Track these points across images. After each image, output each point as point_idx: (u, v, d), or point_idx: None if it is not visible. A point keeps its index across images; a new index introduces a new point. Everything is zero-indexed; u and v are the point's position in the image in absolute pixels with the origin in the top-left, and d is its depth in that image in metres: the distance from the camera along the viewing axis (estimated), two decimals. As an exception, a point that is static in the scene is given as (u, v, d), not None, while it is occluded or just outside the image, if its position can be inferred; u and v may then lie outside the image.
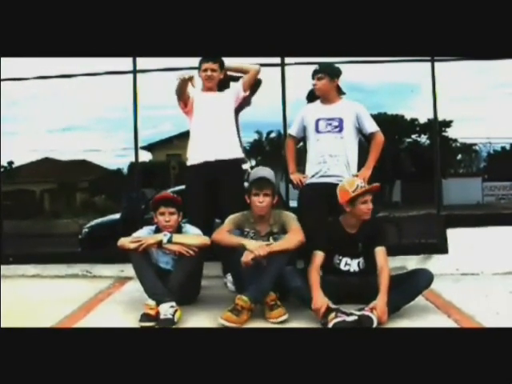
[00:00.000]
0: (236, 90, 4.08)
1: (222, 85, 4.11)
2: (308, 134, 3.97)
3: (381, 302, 3.03)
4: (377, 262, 3.27)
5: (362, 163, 3.91)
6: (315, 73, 3.89)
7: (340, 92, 3.99)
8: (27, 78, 5.06)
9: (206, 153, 3.92)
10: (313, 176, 3.88)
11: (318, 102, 4.03)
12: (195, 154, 3.98)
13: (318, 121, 3.89)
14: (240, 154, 4.06)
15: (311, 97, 4.15)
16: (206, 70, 3.94)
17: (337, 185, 3.51)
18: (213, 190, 3.90)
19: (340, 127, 3.86)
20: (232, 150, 3.98)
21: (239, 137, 4.19)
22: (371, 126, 3.94)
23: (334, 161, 3.82)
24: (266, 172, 3.55)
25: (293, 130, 4.08)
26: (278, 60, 4.62)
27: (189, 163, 4.02)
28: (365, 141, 4.02)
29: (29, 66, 4.20)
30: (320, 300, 3.03)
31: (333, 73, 3.91)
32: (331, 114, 3.88)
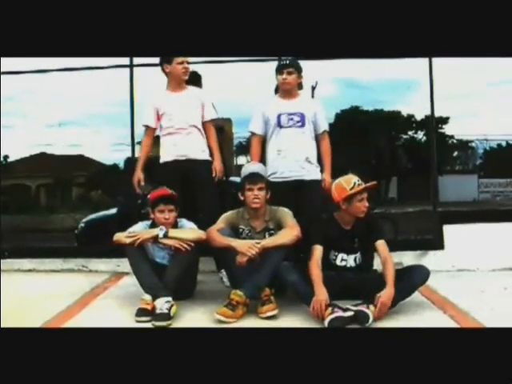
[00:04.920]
0: (202, 110, 4.04)
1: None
2: (268, 129, 3.93)
3: (389, 290, 3.03)
4: (380, 254, 3.28)
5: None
6: (285, 67, 3.84)
7: (299, 87, 4.02)
8: (23, 72, 5.05)
9: (176, 152, 3.94)
10: (275, 172, 3.85)
11: (276, 97, 4.03)
12: (167, 153, 3.99)
13: (279, 115, 3.87)
14: (207, 157, 4.05)
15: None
16: (182, 63, 3.91)
17: (298, 180, 3.67)
18: (187, 188, 3.90)
19: (302, 122, 3.87)
20: (201, 152, 4.01)
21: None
22: (325, 125, 4.00)
23: (296, 155, 3.83)
24: (257, 167, 3.57)
25: (257, 128, 3.97)
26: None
27: (161, 160, 4.03)
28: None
29: (25, 60, 4.18)
30: (322, 295, 3.01)
31: (300, 69, 3.93)
32: (293, 108, 3.88)
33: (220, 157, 4.08)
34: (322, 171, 3.96)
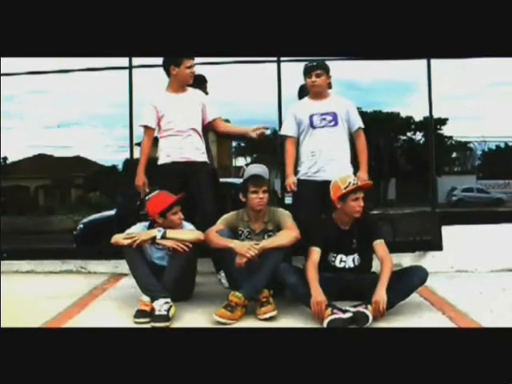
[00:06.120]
0: (204, 112, 4.03)
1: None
2: (301, 131, 3.94)
3: (380, 291, 3.03)
4: (377, 254, 3.29)
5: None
6: (313, 69, 3.84)
7: (329, 87, 4.02)
8: (22, 73, 5.04)
9: (175, 154, 3.92)
10: (307, 172, 3.87)
11: (306, 99, 4.02)
12: (166, 155, 3.97)
13: (312, 116, 3.88)
14: (206, 159, 4.05)
15: (302, 93, 4.14)
16: (191, 67, 3.90)
17: (329, 181, 3.55)
18: (185, 190, 3.89)
19: (335, 121, 3.87)
20: (201, 154, 4.00)
21: (206, 141, 4.20)
22: (359, 122, 3.99)
23: (330, 155, 3.83)
24: (261, 169, 3.56)
25: (290, 131, 3.98)
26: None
27: (160, 162, 4.00)
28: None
29: (24, 61, 4.17)
30: (319, 297, 3.01)
31: (328, 69, 3.92)
32: (324, 108, 3.89)
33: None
34: (357, 168, 3.95)
